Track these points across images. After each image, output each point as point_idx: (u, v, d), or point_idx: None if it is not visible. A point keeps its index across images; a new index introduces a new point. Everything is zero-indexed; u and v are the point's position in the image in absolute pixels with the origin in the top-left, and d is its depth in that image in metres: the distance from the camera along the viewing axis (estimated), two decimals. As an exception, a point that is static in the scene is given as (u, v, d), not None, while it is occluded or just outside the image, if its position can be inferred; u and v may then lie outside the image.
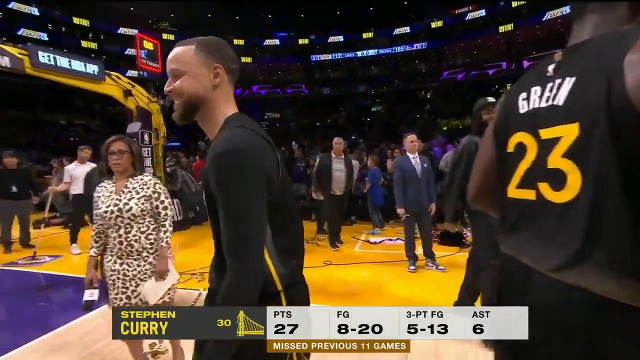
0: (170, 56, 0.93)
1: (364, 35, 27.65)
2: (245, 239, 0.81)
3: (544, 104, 0.68)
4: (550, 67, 0.69)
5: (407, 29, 26.50)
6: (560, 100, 0.64)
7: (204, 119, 0.96)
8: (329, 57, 28.37)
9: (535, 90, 0.71)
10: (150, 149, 6.30)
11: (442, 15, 25.68)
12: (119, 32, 25.64)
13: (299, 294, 0.96)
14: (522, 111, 0.73)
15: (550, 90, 0.67)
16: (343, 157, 5.37)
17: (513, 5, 22.56)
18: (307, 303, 1.01)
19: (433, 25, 25.91)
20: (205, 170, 0.88)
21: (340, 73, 29.44)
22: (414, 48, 26.23)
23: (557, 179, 0.63)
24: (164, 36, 27.07)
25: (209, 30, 29.07)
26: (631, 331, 0.55)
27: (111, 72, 6.07)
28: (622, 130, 0.54)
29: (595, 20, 0.66)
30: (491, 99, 2.57)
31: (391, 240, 5.74)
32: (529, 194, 0.70)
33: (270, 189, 0.87)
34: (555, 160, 0.64)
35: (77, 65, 5.04)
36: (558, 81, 0.65)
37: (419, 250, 4.25)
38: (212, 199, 0.87)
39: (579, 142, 0.60)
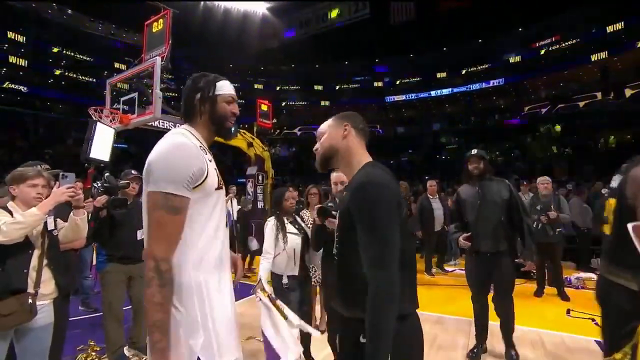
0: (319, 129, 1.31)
1: (438, 75, 28.57)
2: (390, 255, 0.96)
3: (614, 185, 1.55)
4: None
5: (482, 67, 26.77)
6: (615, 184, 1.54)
7: (342, 164, 1.24)
8: (402, 97, 29.76)
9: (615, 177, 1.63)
10: (262, 186, 8.22)
11: (520, 50, 25.48)
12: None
13: (417, 321, 1.11)
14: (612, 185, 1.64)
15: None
16: (437, 197, 6.16)
17: (608, 30, 21.38)
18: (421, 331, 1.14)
19: (511, 60, 25.79)
20: (346, 202, 1.09)
21: (414, 112, 30.43)
22: (490, 85, 26.19)
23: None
24: (255, 86, 31.79)
25: (292, 78, 33.29)
26: (617, 294, 1.39)
27: (239, 130, 8.25)
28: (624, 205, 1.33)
29: None
30: (474, 152, 2.91)
31: (462, 270, 6.46)
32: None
33: (400, 220, 1.02)
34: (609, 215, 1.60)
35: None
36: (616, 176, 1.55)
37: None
38: (348, 228, 1.06)
39: (615, 207, 1.43)
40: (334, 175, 2.44)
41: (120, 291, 2.78)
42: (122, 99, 5.32)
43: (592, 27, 22.25)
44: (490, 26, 24.31)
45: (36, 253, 1.78)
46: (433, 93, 28.84)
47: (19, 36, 22.71)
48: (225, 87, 1.25)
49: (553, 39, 24.01)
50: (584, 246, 6.54)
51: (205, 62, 29.11)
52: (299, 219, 2.77)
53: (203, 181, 1.09)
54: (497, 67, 26.39)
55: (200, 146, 1.16)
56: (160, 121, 5.19)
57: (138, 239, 2.72)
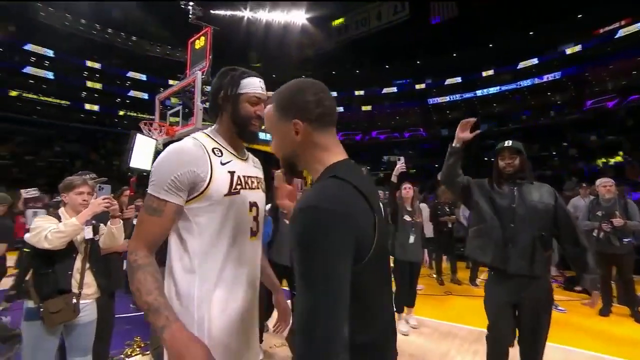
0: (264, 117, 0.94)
1: (484, 74, 27.07)
2: (320, 316, 0.62)
3: None
4: None
5: (534, 61, 24.85)
6: None
7: (309, 172, 0.88)
8: (446, 99, 28.61)
9: None
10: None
11: (582, 38, 23.20)
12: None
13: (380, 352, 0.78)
14: None
15: None
16: None
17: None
18: None
19: (568, 51, 23.60)
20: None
21: (459, 114, 29.07)
22: (544, 80, 24.20)
23: None
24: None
25: (332, 83, 33.41)
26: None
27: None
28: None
29: None
30: (507, 143, 2.26)
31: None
32: None
33: (356, 260, 0.69)
34: None
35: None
36: None
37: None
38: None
39: None
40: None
41: None
42: (169, 112, 5.72)
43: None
44: (541, 15, 22.56)
45: (79, 257, 1.95)
46: (479, 92, 27.35)
47: (95, 63, 26.27)
48: (250, 85, 1.14)
49: (622, 23, 21.50)
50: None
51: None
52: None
53: (205, 188, 1.03)
54: (552, 60, 24.32)
55: (215, 149, 1.10)
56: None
57: None
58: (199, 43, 5.85)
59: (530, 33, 24.79)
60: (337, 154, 0.85)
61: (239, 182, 1.11)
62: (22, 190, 4.87)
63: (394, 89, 31.51)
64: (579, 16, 23.03)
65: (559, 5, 21.60)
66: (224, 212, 1.07)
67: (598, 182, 4.42)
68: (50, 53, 23.93)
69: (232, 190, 1.08)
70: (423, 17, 24.02)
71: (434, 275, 6.35)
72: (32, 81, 23.61)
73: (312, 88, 0.86)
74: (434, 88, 29.73)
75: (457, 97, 28.24)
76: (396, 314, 3.87)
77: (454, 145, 2.23)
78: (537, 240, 2.05)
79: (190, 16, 5.98)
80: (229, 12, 25.34)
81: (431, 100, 29.53)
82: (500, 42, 25.74)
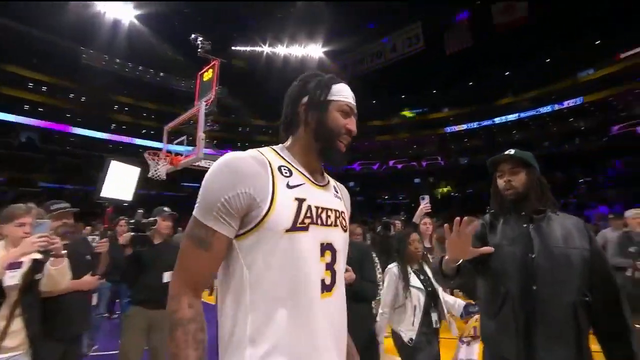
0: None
1: (502, 101, 26.77)
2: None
3: None
4: None
5: (552, 87, 24.45)
6: None
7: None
8: (464, 127, 28.31)
9: None
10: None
11: (599, 63, 22.74)
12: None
13: None
14: None
15: None
16: None
17: None
18: None
19: (587, 78, 23.11)
20: None
21: (478, 141, 28.60)
22: (564, 106, 23.60)
23: None
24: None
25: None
26: None
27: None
28: None
29: None
30: (510, 151, 1.51)
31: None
32: None
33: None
34: None
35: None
36: None
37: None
38: None
39: None
40: None
41: (138, 339, 2.49)
42: (175, 142, 5.79)
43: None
44: (558, 41, 22.39)
45: (7, 303, 1.62)
46: (497, 120, 26.93)
47: (125, 98, 28.16)
48: (343, 92, 0.92)
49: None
50: None
51: (265, 107, 31.45)
52: (426, 268, 2.34)
53: (262, 219, 0.76)
54: (572, 85, 23.82)
55: (283, 167, 0.84)
56: (206, 162, 5.49)
57: (164, 281, 2.53)
58: (207, 75, 6.01)
59: (547, 60, 24.60)
60: None
61: (308, 214, 0.81)
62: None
63: (410, 118, 31.63)
64: (598, 42, 22.76)
65: (577, 30, 21.45)
66: (284, 255, 0.77)
67: (629, 213, 3.99)
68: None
69: (298, 225, 0.78)
70: (438, 47, 24.33)
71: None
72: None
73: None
74: (451, 116, 29.59)
75: (475, 125, 27.90)
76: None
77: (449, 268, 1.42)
78: (580, 308, 1.24)
79: (199, 50, 6.19)
80: (249, 48, 26.61)
81: (449, 129, 29.31)
82: (517, 70, 25.60)
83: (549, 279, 1.27)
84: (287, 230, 0.76)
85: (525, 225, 1.38)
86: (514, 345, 1.27)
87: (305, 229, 0.79)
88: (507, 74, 26.27)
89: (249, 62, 27.66)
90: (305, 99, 0.90)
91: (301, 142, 0.90)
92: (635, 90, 21.45)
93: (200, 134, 5.06)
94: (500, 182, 1.47)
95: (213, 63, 5.93)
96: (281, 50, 27.59)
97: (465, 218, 1.21)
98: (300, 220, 0.78)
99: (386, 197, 27.61)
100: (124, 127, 28.17)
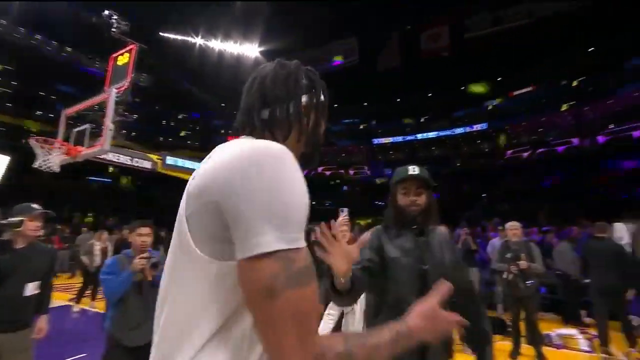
0: None
1: (423, 119, 29.48)
2: None
3: None
4: None
5: (465, 112, 27.80)
6: None
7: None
8: (390, 140, 30.36)
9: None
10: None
11: (502, 97, 26.61)
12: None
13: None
14: None
15: None
16: None
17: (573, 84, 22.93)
18: None
19: (490, 107, 26.91)
20: None
21: (402, 155, 30.91)
22: (474, 129, 26.98)
23: None
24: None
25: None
26: None
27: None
28: None
29: None
30: (412, 171, 1.58)
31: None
32: None
33: None
34: None
35: (190, 164, 6.94)
36: None
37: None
38: None
39: None
40: None
41: None
42: (75, 130, 5.11)
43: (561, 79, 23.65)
44: (472, 74, 25.50)
45: None
46: (419, 136, 29.49)
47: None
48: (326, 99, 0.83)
49: (531, 88, 25.22)
50: (571, 297, 6.06)
51: (200, 101, 29.82)
52: None
53: None
54: (480, 113, 27.33)
55: None
56: (114, 155, 4.97)
57: (25, 295, 2.12)
58: (122, 59, 5.43)
59: (462, 88, 27.83)
60: None
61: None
62: None
63: (341, 128, 32.83)
64: (499, 79, 26.57)
65: (485, 67, 24.75)
66: None
67: (507, 225, 4.65)
68: None
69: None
70: (372, 63, 25.78)
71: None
72: None
73: None
74: (379, 129, 31.52)
75: (400, 139, 30.16)
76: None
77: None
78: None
79: (113, 30, 5.57)
80: (179, 37, 24.95)
81: (376, 141, 31.13)
82: (437, 93, 28.43)
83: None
84: None
85: (417, 239, 1.54)
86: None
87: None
88: (429, 95, 28.94)
89: (179, 52, 25.91)
90: (305, 98, 0.77)
91: (291, 144, 0.75)
92: (523, 122, 25.50)
93: (108, 124, 4.54)
94: (405, 199, 1.58)
95: (130, 47, 5.39)
96: (215, 44, 26.43)
97: (340, 219, 1.26)
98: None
99: (313, 202, 28.01)
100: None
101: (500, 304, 6.19)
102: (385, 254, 1.52)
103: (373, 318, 1.55)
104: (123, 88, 5.09)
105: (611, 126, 21.12)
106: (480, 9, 21.46)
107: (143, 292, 2.37)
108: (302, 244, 0.54)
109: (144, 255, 2.42)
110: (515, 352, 4.36)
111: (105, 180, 24.92)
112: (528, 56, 22.90)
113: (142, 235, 2.50)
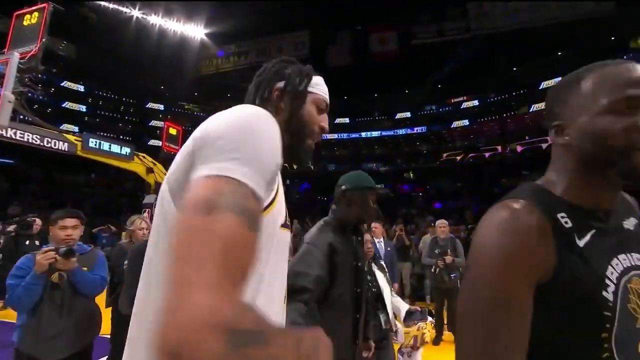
0: None
1: (368, 118, 30.44)
2: None
3: None
4: None
5: (407, 114, 29.28)
6: None
7: None
8: (335, 136, 30.83)
9: None
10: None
11: (441, 103, 28.57)
12: (147, 106, 29.15)
13: None
14: None
15: None
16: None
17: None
18: None
19: (430, 112, 28.74)
20: None
21: (346, 151, 31.64)
22: (414, 131, 28.58)
23: None
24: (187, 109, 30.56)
25: (226, 106, 32.65)
26: None
27: (139, 153, 7.31)
28: None
29: None
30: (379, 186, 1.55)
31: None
32: None
33: None
34: None
35: (115, 148, 6.24)
36: None
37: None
38: None
39: None
40: None
41: None
42: (-35, 99, 4.26)
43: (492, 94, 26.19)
44: (414, 78, 26.87)
45: None
46: (363, 134, 30.38)
47: None
48: (321, 86, 0.86)
49: (465, 98, 27.47)
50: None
51: (136, 81, 27.26)
52: (374, 269, 2.32)
53: (270, 204, 0.63)
54: (421, 116, 29.00)
55: None
56: (14, 131, 4.23)
57: None
58: (29, 19, 4.64)
59: (406, 91, 29.25)
60: None
61: (287, 214, 0.73)
62: None
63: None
64: (439, 86, 28.46)
65: (427, 75, 26.33)
66: (276, 253, 0.66)
67: (436, 223, 4.96)
68: None
69: (286, 222, 0.71)
70: (321, 58, 25.81)
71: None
72: None
73: None
74: (325, 125, 31.90)
75: (345, 136, 30.75)
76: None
77: None
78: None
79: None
80: (112, 5, 22.47)
81: (322, 137, 31.45)
82: (383, 94, 29.49)
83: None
84: (282, 226, 0.69)
85: (353, 237, 1.71)
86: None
87: (287, 226, 0.72)
88: (375, 95, 29.91)
89: (111, 23, 23.34)
90: (280, 84, 0.81)
91: None
92: (458, 128, 27.68)
93: (7, 94, 3.82)
94: (373, 207, 1.72)
95: (42, 6, 4.62)
96: (156, 20, 24.34)
97: None
98: (287, 218, 0.72)
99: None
100: None
101: (428, 295, 6.62)
102: (336, 260, 1.59)
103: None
104: (31, 54, 4.36)
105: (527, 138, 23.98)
106: (424, 20, 22.74)
107: (61, 295, 2.02)
108: (264, 195, 0.51)
109: (48, 247, 2.05)
110: (437, 339, 4.67)
111: (7, 161, 21.34)
112: (465, 67, 24.83)
113: (67, 227, 2.11)
